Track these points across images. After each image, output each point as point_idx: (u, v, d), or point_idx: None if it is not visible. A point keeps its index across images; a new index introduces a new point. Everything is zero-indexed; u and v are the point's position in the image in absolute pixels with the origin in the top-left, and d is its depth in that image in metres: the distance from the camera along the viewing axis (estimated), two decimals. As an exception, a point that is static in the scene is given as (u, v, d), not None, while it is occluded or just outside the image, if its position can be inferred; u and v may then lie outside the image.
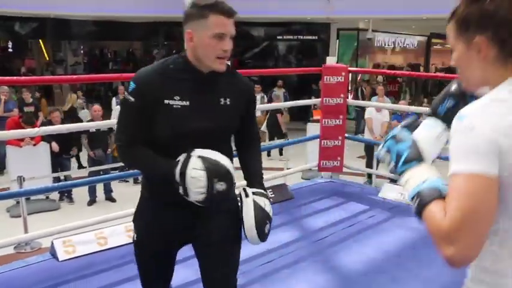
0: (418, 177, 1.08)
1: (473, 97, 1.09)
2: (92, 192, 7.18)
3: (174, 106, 1.60)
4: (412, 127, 1.26)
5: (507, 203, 0.98)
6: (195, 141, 1.60)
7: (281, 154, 9.67)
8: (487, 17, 1.00)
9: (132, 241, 1.85)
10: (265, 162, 6.82)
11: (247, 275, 2.97)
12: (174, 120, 1.60)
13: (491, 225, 0.97)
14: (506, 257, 1.02)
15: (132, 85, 1.61)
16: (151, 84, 1.59)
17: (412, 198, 1.07)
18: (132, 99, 1.60)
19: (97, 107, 7.59)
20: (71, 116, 9.14)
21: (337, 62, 5.87)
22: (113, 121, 5.20)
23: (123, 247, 3.33)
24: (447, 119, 1.32)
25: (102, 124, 6.10)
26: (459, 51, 1.08)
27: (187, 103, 1.61)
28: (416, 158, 1.13)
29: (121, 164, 8.19)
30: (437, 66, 17.79)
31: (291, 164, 5.31)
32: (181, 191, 1.57)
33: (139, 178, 5.80)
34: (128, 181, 7.86)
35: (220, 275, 1.79)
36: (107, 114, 8.42)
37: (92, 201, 7.21)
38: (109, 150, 7.45)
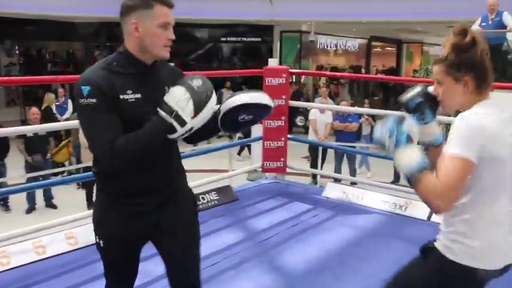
0: (414, 154, 1.49)
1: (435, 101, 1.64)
2: (31, 200, 6.90)
3: (129, 100, 1.63)
4: (401, 121, 1.59)
5: (478, 179, 1.50)
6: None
7: (239, 155, 9.78)
8: (474, 63, 1.53)
9: (96, 247, 1.88)
10: (210, 163, 6.85)
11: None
12: (132, 114, 1.63)
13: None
14: (476, 223, 1.54)
15: (86, 88, 1.58)
16: (104, 82, 1.60)
17: (410, 168, 1.48)
18: (93, 100, 1.58)
19: (35, 109, 7.27)
20: (47, 116, 8.76)
21: (280, 64, 5.94)
22: (51, 125, 5.04)
23: (63, 255, 3.23)
24: (415, 113, 1.73)
25: (40, 128, 5.86)
26: (447, 85, 1.57)
27: (140, 95, 1.65)
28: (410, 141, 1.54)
29: (62, 168, 7.97)
30: (378, 68, 18.40)
31: (236, 165, 5.33)
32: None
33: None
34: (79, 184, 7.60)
35: (185, 266, 1.87)
36: (45, 117, 8.13)
37: (31, 208, 6.94)
38: (48, 155, 7.18)
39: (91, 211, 3.99)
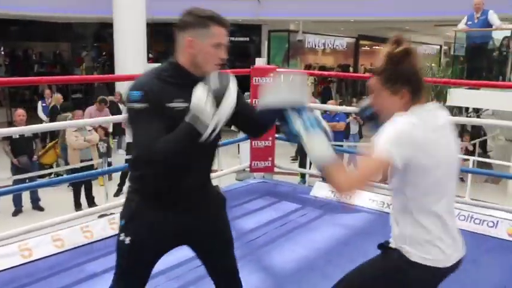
0: (326, 145, 1.60)
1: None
2: (18, 202, 6.84)
3: (176, 108, 1.67)
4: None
5: (418, 184, 1.60)
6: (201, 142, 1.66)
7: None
8: (410, 76, 1.61)
9: (117, 245, 1.83)
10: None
11: (181, 278, 2.96)
12: (179, 122, 1.63)
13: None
14: (421, 224, 1.61)
15: (136, 93, 1.65)
16: (153, 89, 1.67)
17: (320, 157, 1.58)
18: (143, 105, 1.64)
19: (21, 111, 7.14)
20: (54, 114, 8.75)
21: (268, 63, 5.95)
22: (38, 126, 4.99)
23: (50, 258, 3.20)
24: (370, 121, 1.88)
25: (27, 129, 5.81)
26: (384, 96, 1.64)
27: (188, 105, 1.63)
28: (324, 130, 1.65)
29: (49, 170, 7.89)
30: (366, 67, 18.48)
31: (225, 165, 5.32)
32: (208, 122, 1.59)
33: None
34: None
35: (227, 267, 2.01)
36: (31, 119, 8.06)
37: (18, 211, 6.88)
38: (34, 157, 7.12)
39: (79, 213, 3.99)
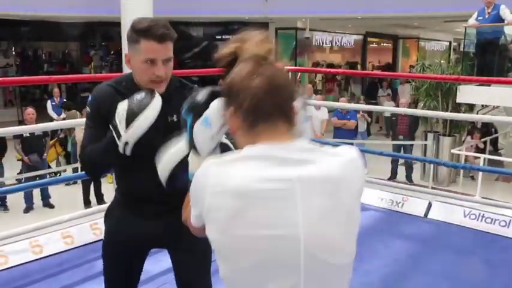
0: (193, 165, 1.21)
1: None
2: (28, 199, 6.89)
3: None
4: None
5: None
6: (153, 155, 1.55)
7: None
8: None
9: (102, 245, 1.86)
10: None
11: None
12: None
13: None
14: None
15: (89, 97, 1.73)
16: (103, 96, 1.70)
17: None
18: (89, 109, 1.71)
19: (31, 110, 7.18)
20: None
21: (276, 61, 5.92)
22: (48, 124, 5.03)
23: (60, 254, 3.23)
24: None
25: (37, 128, 5.84)
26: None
27: None
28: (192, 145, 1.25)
29: (57, 169, 7.96)
30: (374, 64, 18.39)
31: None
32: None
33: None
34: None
35: (193, 278, 1.83)
36: (41, 117, 8.11)
37: (29, 208, 6.93)
38: (44, 155, 7.17)
39: (88, 210, 4.02)
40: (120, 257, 1.83)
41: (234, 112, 1.05)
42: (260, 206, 0.96)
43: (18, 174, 7.18)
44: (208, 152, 1.24)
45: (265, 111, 1.02)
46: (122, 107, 1.56)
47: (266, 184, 0.96)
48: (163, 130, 1.55)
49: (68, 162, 8.28)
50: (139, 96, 1.56)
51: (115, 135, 1.57)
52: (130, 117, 1.54)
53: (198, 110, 1.24)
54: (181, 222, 1.27)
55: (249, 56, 1.10)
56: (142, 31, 1.58)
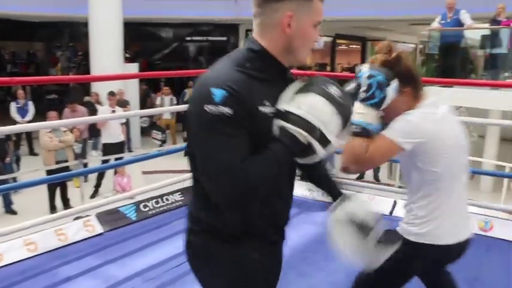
0: (369, 116, 1.69)
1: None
2: (-10, 205, 6.72)
3: (268, 114, 1.23)
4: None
5: (436, 175, 1.72)
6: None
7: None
8: (408, 75, 1.75)
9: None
10: (176, 164, 6.79)
11: (157, 280, 2.94)
12: (268, 131, 1.24)
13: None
14: (437, 207, 1.76)
15: (219, 92, 1.16)
16: (241, 87, 1.18)
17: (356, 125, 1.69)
18: (227, 111, 1.15)
19: (-7, 113, 7.08)
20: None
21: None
22: (12, 127, 4.85)
23: (22, 262, 3.15)
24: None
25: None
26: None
27: (274, 109, 1.25)
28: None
29: (20, 172, 7.74)
30: (343, 66, 18.62)
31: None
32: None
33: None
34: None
35: None
36: (4, 120, 7.91)
37: (-10, 214, 6.74)
38: (7, 159, 6.98)
39: (52, 215, 3.92)
40: None
41: (412, 88, 1.74)
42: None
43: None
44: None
45: (420, 82, 1.79)
46: (319, 103, 1.21)
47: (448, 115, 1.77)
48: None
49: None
50: (334, 89, 1.25)
51: (312, 142, 1.20)
52: (346, 120, 1.25)
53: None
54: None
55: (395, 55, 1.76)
56: None
